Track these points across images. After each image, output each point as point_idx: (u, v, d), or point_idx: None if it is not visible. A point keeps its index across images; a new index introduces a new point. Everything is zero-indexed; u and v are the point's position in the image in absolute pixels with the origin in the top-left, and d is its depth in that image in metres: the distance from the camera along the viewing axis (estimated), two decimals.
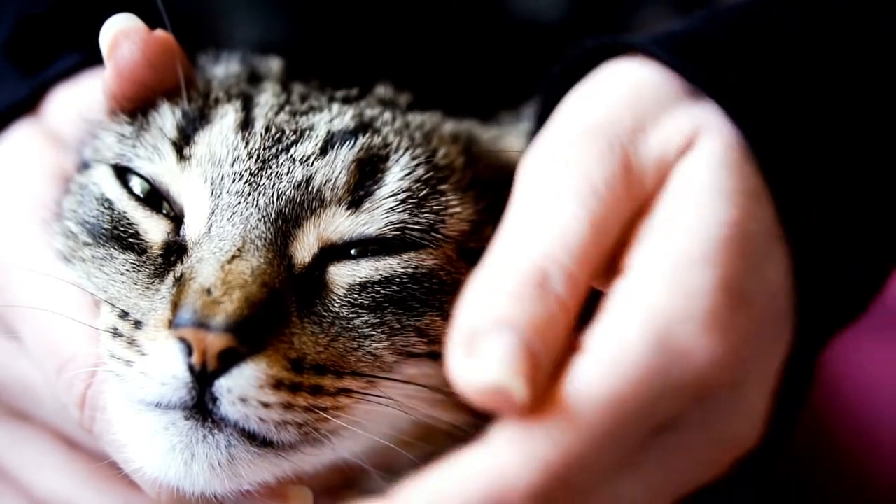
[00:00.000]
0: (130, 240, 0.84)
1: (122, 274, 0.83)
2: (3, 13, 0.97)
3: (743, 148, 0.74)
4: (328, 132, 0.85)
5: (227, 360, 0.76)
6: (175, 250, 0.83)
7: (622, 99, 0.75)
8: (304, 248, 0.82)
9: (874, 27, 0.82)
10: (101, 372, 0.81)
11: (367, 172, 0.84)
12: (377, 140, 0.86)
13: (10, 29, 0.95)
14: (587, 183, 0.71)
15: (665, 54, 0.76)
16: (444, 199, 0.86)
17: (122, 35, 0.83)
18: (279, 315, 0.78)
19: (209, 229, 0.81)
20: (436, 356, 0.82)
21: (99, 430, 0.82)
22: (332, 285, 0.82)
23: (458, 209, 0.86)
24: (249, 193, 0.82)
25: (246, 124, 0.86)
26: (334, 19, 1.08)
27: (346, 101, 0.92)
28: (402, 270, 0.83)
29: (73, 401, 0.81)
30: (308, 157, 0.84)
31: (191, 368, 0.76)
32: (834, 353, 0.99)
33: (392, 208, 0.83)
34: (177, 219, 0.84)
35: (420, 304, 0.83)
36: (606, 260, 0.72)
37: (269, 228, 0.80)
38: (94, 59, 0.88)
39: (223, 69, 0.95)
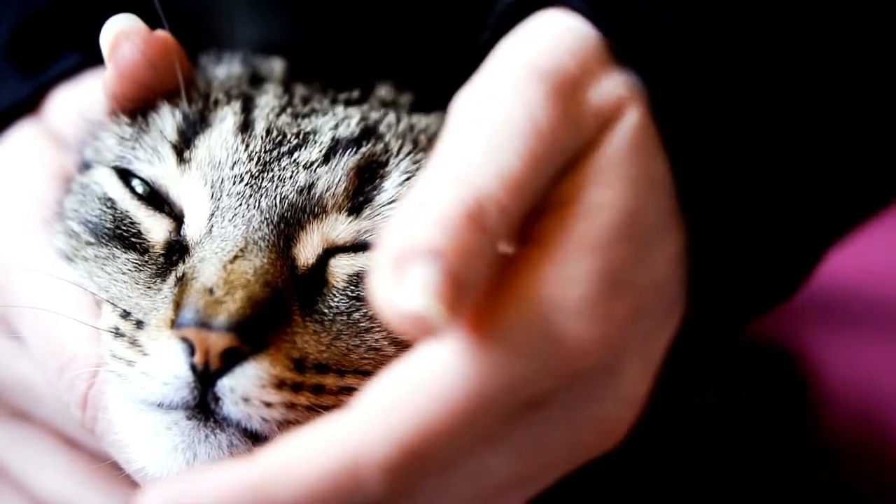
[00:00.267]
0: (133, 239, 0.84)
1: (123, 273, 0.83)
2: (3, 13, 0.97)
3: (655, 129, 0.75)
4: (333, 139, 0.86)
5: (230, 360, 0.76)
6: (177, 250, 0.83)
7: (565, 45, 0.75)
8: (308, 250, 0.82)
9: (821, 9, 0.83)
10: (103, 372, 0.80)
11: (367, 178, 0.84)
12: (379, 146, 0.86)
13: (11, 29, 0.95)
14: (532, 123, 0.71)
15: (598, 18, 0.76)
16: None
17: (122, 35, 0.83)
18: (281, 314, 0.78)
19: (210, 230, 0.81)
20: None
21: (101, 431, 0.81)
22: (332, 278, 0.82)
23: None
24: (251, 195, 0.82)
25: (246, 127, 0.86)
26: (336, 19, 1.08)
27: (349, 103, 0.92)
28: None
29: (75, 401, 0.81)
30: (312, 164, 0.84)
31: (193, 368, 0.76)
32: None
33: (392, 217, 0.83)
34: (178, 218, 0.84)
35: None
36: (538, 201, 0.73)
37: (272, 231, 0.80)
38: (95, 59, 0.88)
39: (224, 70, 0.95)
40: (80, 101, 0.91)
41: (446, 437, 0.68)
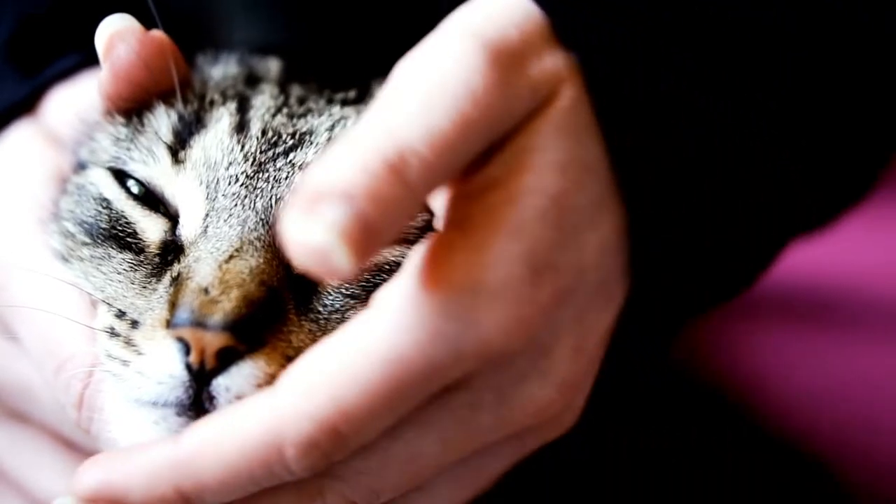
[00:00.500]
0: (128, 239, 0.84)
1: (119, 273, 0.83)
2: (2, 14, 0.97)
3: (590, 112, 0.75)
4: (329, 139, 0.86)
5: (226, 359, 0.76)
6: (172, 250, 0.83)
7: (512, 18, 0.76)
8: None
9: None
10: (99, 372, 0.80)
11: None
12: None
13: (10, 30, 0.95)
14: (467, 87, 0.72)
15: None
16: None
17: (117, 36, 0.83)
18: (277, 313, 0.78)
19: (205, 230, 0.81)
20: None
21: (96, 431, 0.82)
22: None
23: None
24: (246, 196, 0.82)
25: (241, 127, 0.86)
26: (332, 19, 1.08)
27: (345, 103, 0.92)
28: (393, 259, 0.82)
29: (71, 401, 0.82)
30: (307, 164, 0.84)
31: (188, 367, 0.76)
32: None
33: None
34: (174, 218, 0.84)
35: None
36: (461, 170, 0.73)
37: (268, 231, 0.80)
38: (93, 59, 0.88)
39: (220, 70, 0.95)
40: (77, 102, 0.91)
41: (364, 417, 0.70)
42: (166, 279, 0.81)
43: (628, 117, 0.76)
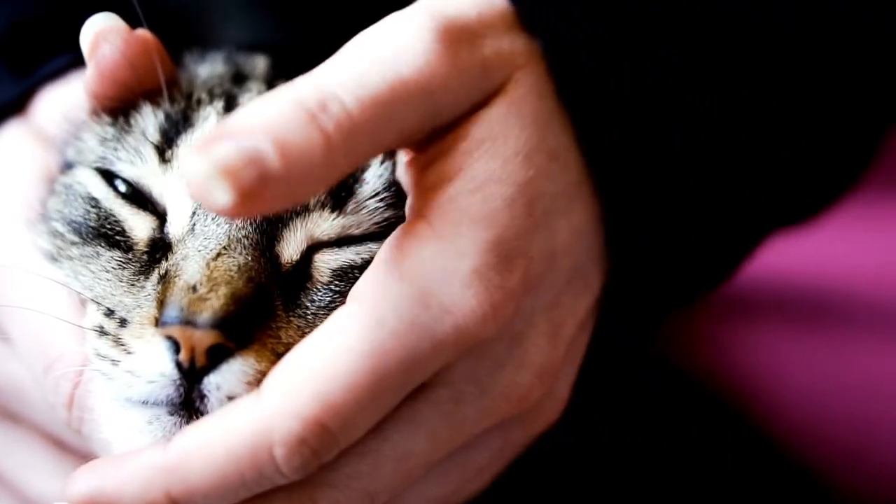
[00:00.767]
0: (117, 237, 0.84)
1: (107, 271, 0.83)
2: None
3: (556, 100, 0.76)
4: None
5: (216, 357, 0.76)
6: (160, 247, 0.83)
7: (474, 1, 0.76)
8: (292, 247, 0.82)
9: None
10: (89, 371, 0.80)
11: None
12: None
13: (2, 31, 0.95)
14: (408, 54, 0.72)
15: None
16: None
17: (101, 35, 0.83)
18: (266, 310, 0.78)
19: (193, 227, 0.81)
20: None
21: (87, 431, 0.81)
22: (317, 273, 0.82)
23: None
24: None
25: None
26: (319, 16, 1.08)
27: None
28: None
29: (61, 401, 0.81)
30: None
31: (179, 366, 0.76)
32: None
33: (376, 209, 0.83)
34: (162, 216, 0.84)
35: None
36: (398, 141, 0.74)
37: (255, 229, 0.80)
38: (83, 59, 0.88)
39: (207, 69, 0.95)
40: (66, 102, 0.91)
41: (350, 411, 0.71)
42: (154, 277, 0.81)
43: (598, 107, 0.77)
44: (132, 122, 0.86)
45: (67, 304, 0.83)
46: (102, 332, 0.80)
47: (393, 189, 0.83)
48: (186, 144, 0.84)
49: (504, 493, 0.89)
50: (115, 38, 0.83)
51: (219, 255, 0.78)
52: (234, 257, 0.78)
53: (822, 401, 1.18)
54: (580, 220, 0.78)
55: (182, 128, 0.85)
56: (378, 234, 0.82)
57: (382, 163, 0.84)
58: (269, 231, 0.81)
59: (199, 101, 0.88)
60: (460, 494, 0.83)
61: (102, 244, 0.84)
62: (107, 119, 0.88)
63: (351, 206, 0.83)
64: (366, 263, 0.81)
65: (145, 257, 0.83)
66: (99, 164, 0.87)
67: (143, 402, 0.77)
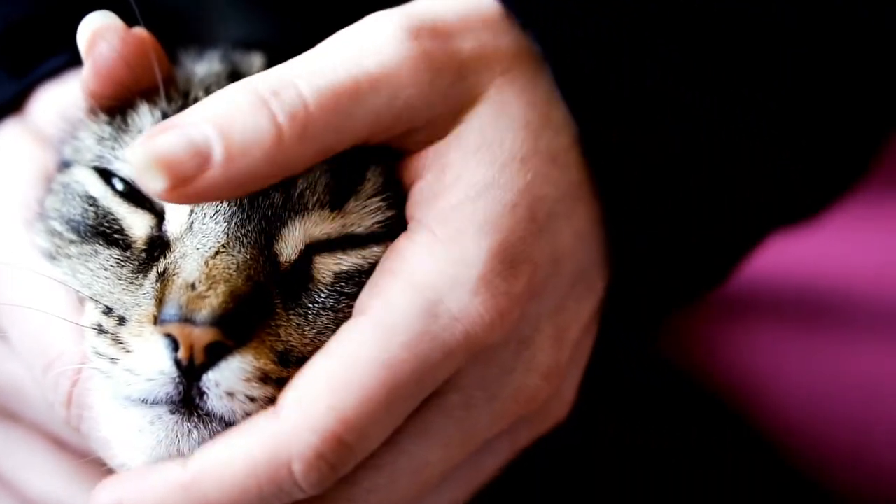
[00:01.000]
0: (115, 235, 0.84)
1: (105, 270, 0.83)
2: None
3: (548, 102, 0.76)
4: None
5: (215, 354, 0.76)
6: (158, 245, 0.83)
7: (459, 4, 0.77)
8: (290, 246, 0.81)
9: None
10: (87, 370, 0.80)
11: (347, 172, 0.84)
12: None
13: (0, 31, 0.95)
14: (375, 47, 0.73)
15: None
16: None
17: (98, 33, 0.83)
18: (264, 308, 0.78)
19: (191, 226, 0.81)
20: None
21: (86, 429, 0.81)
22: (318, 275, 0.81)
23: None
24: None
25: None
26: (315, 14, 1.08)
27: None
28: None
29: (60, 399, 0.81)
30: None
31: (178, 363, 0.76)
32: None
33: (378, 208, 0.83)
34: (160, 214, 0.84)
35: None
36: (360, 136, 0.73)
37: (254, 228, 0.80)
38: (80, 58, 0.88)
39: (204, 67, 0.95)
40: (63, 100, 0.91)
41: (365, 423, 0.71)
42: (153, 275, 0.81)
43: (599, 106, 0.77)
44: (129, 120, 0.86)
45: (66, 302, 0.83)
46: (101, 330, 0.80)
47: (394, 188, 0.83)
48: None
49: (508, 492, 0.89)
50: (112, 36, 0.83)
51: (217, 253, 0.78)
52: (232, 255, 0.78)
53: (822, 401, 1.17)
54: (582, 223, 0.78)
55: None
56: (380, 235, 0.82)
57: (383, 162, 0.84)
58: (267, 230, 0.81)
59: (195, 100, 0.87)
60: (468, 496, 0.83)
61: (100, 242, 0.84)
62: (104, 118, 0.88)
63: (351, 204, 0.83)
64: (370, 266, 0.81)
65: (144, 255, 0.83)
66: (96, 163, 0.86)
67: (143, 400, 0.77)
